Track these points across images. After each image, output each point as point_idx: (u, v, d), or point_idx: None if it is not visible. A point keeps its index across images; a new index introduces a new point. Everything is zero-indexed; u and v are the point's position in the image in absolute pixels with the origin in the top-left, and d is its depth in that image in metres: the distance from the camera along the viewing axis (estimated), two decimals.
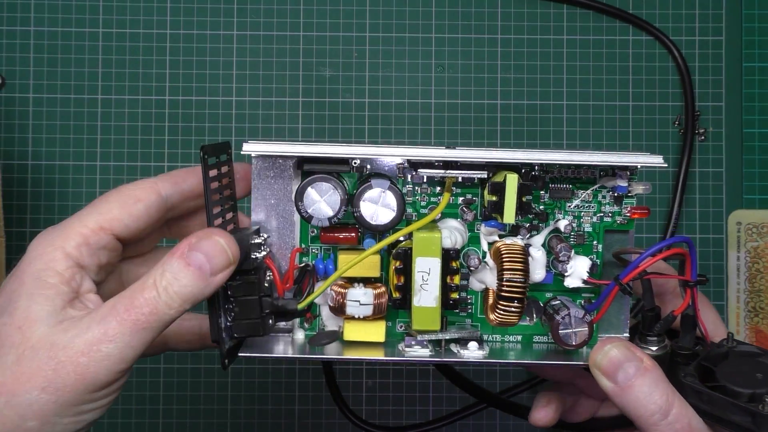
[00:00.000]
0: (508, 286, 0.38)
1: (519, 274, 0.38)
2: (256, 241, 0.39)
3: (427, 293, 0.38)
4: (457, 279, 0.39)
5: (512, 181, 0.38)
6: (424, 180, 0.41)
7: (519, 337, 0.43)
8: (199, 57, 0.64)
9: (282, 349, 0.40)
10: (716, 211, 0.64)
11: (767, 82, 0.64)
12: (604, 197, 0.42)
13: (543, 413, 0.45)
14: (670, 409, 0.36)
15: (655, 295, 0.40)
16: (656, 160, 0.39)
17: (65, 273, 0.35)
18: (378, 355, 0.40)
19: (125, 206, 0.38)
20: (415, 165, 0.41)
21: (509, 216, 0.38)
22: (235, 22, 0.64)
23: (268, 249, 0.40)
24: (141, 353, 0.35)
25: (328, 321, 0.42)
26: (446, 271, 0.39)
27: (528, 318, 0.42)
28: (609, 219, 0.42)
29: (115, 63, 0.64)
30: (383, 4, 0.64)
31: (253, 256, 0.38)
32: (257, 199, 0.41)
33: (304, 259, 0.42)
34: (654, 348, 0.40)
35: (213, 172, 0.39)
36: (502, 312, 0.39)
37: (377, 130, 0.64)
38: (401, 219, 0.39)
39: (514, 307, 0.39)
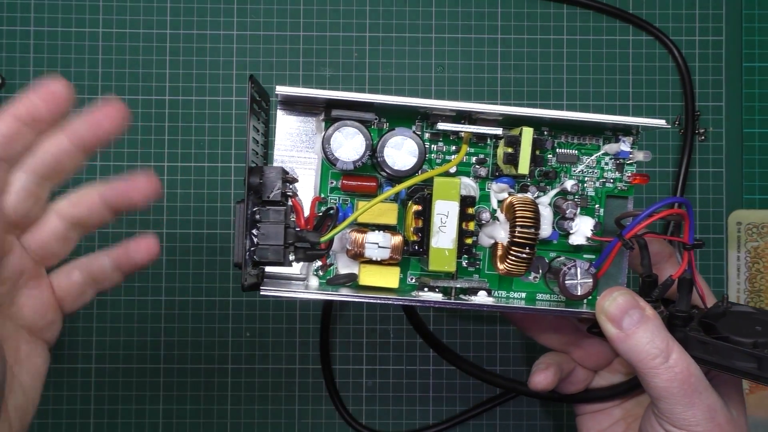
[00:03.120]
0: (520, 233, 0.40)
1: (531, 221, 0.40)
2: (287, 176, 0.40)
3: (444, 235, 0.40)
4: (472, 225, 0.41)
5: (528, 133, 0.41)
6: (441, 138, 0.43)
7: (523, 294, 0.45)
8: (199, 57, 0.64)
9: (298, 289, 0.41)
10: (716, 211, 0.64)
11: (767, 82, 0.64)
12: (607, 164, 0.44)
13: (542, 376, 0.46)
14: (670, 353, 0.38)
15: (652, 264, 0.42)
16: (658, 122, 0.41)
17: None
18: (392, 296, 0.41)
19: (50, 102, 0.36)
20: (433, 120, 0.42)
21: (524, 166, 0.41)
22: (235, 22, 0.64)
23: (297, 190, 0.41)
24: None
25: (343, 269, 0.43)
26: (463, 216, 0.41)
27: (533, 275, 0.44)
28: (611, 185, 0.44)
29: (115, 63, 0.64)
30: (383, 4, 0.64)
31: (284, 191, 0.39)
32: (279, 148, 0.43)
33: (323, 208, 0.43)
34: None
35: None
36: (513, 259, 0.41)
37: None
38: (422, 165, 0.41)
39: (526, 254, 0.40)
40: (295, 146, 0.43)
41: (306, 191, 0.43)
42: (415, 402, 0.63)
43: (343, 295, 0.41)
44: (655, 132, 0.64)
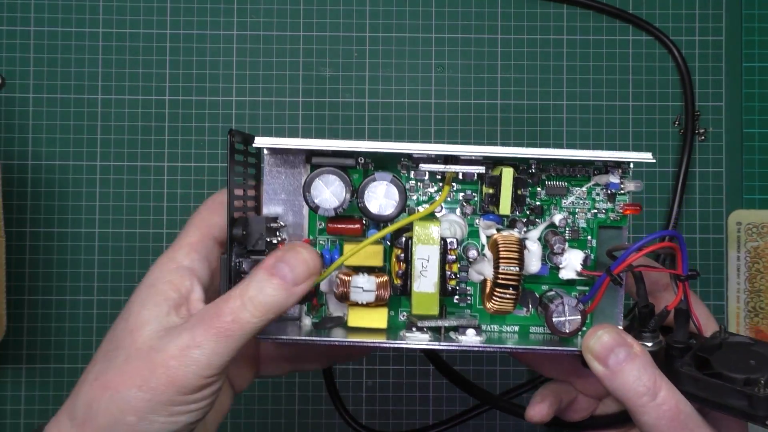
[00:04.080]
0: (503, 273, 0.40)
1: (514, 263, 0.40)
2: (272, 225, 0.41)
3: (426, 279, 0.40)
4: (455, 267, 0.41)
5: (507, 174, 0.41)
6: (426, 176, 0.43)
7: (516, 328, 0.44)
8: (199, 57, 0.64)
9: (290, 331, 0.42)
10: (716, 211, 0.64)
11: (767, 82, 0.64)
12: (597, 194, 0.43)
13: (537, 409, 0.46)
14: (658, 391, 0.38)
15: (648, 293, 0.41)
16: (645, 157, 0.41)
17: (175, 279, 0.39)
18: (380, 339, 0.42)
19: (219, 212, 0.41)
20: (416, 161, 0.43)
21: (505, 207, 0.41)
22: (235, 22, 0.64)
23: (284, 236, 0.42)
24: (228, 361, 0.36)
25: (334, 310, 0.44)
26: (444, 259, 0.41)
27: (525, 309, 0.44)
28: (603, 215, 0.43)
29: (115, 63, 0.64)
30: (383, 4, 0.64)
31: (267, 239, 0.40)
32: (269, 193, 0.43)
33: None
34: (649, 344, 0.41)
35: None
36: (498, 299, 0.41)
37: (377, 130, 0.64)
38: (403, 210, 0.41)
39: (510, 294, 0.41)
40: (285, 189, 0.43)
41: (299, 232, 0.44)
42: (415, 402, 0.63)
43: (333, 340, 0.41)
44: (655, 132, 0.64)
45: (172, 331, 0.37)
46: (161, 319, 0.37)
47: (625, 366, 0.38)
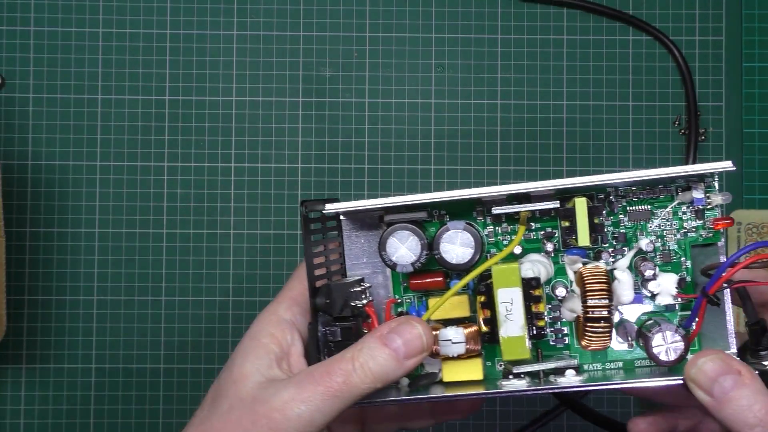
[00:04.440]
0: (591, 307, 0.39)
1: (602, 295, 0.39)
2: (356, 289, 0.41)
3: (512, 323, 0.39)
4: (541, 306, 0.40)
5: (581, 204, 0.40)
6: (503, 219, 0.42)
7: (620, 364, 0.43)
8: (199, 57, 0.64)
9: (387, 392, 0.41)
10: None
11: (767, 82, 0.64)
12: (684, 213, 0.42)
13: (643, 424, 0.44)
14: None
15: (759, 306, 0.39)
16: (725, 166, 0.39)
17: (277, 333, 0.40)
18: (479, 389, 0.41)
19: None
20: (487, 205, 0.42)
21: (583, 238, 0.40)
22: (235, 22, 0.64)
23: (370, 297, 0.42)
24: (330, 420, 0.37)
25: (430, 367, 0.43)
26: (529, 299, 0.40)
27: (625, 342, 0.42)
28: (693, 234, 0.42)
29: (115, 63, 0.64)
30: (383, 4, 0.64)
31: (352, 304, 0.41)
32: (350, 258, 0.44)
33: (399, 309, 0.44)
34: (766, 363, 0.38)
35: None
36: (590, 334, 0.40)
37: (377, 130, 0.64)
38: (481, 255, 0.40)
39: (601, 328, 0.39)
40: (365, 252, 0.44)
41: (385, 292, 0.44)
42: None
43: (430, 396, 0.41)
44: (655, 132, 0.64)
45: (277, 384, 0.38)
46: (264, 371, 0.39)
47: (733, 394, 0.36)
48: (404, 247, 0.41)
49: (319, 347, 0.40)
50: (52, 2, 0.64)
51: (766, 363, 0.38)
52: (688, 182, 0.41)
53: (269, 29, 0.64)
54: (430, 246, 0.41)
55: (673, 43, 0.64)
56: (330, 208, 0.41)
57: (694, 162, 0.63)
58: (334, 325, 0.40)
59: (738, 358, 0.38)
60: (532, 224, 0.42)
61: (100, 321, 0.63)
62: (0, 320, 0.57)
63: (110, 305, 0.63)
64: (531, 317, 0.40)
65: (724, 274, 0.37)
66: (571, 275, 0.42)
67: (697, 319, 0.39)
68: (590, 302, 0.39)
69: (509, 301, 0.39)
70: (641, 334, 0.41)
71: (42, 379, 0.62)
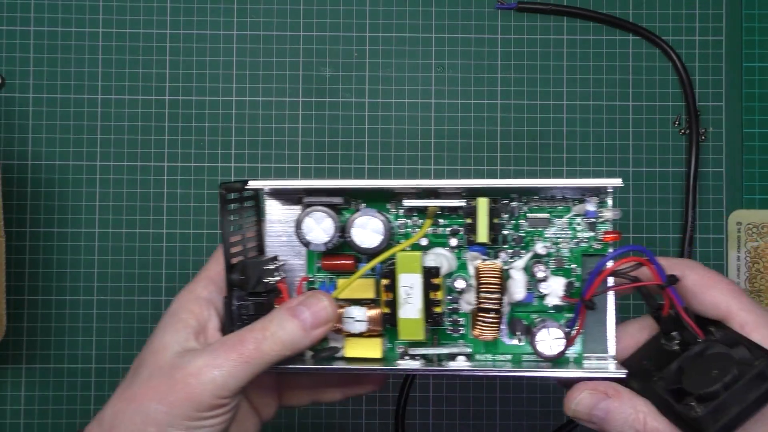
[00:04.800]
0: (483, 298, 0.42)
1: (493, 287, 0.42)
2: (270, 267, 0.44)
3: (411, 306, 0.42)
4: (439, 294, 0.43)
5: (482, 203, 0.43)
6: (414, 212, 0.45)
7: (509, 356, 0.46)
8: (199, 57, 0.64)
9: (296, 363, 0.44)
10: (716, 211, 0.64)
11: (767, 82, 0.64)
12: (579, 224, 0.45)
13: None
14: (645, 425, 0.40)
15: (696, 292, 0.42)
16: (614, 182, 0.42)
17: (195, 309, 0.42)
18: (377, 366, 0.44)
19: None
20: (399, 197, 0.45)
21: (482, 235, 0.43)
22: (235, 22, 0.64)
23: (283, 274, 0.45)
24: (242, 385, 0.40)
25: (334, 341, 0.46)
26: (428, 287, 0.42)
27: (515, 338, 0.45)
28: (585, 244, 0.45)
29: (115, 63, 0.64)
30: (383, 4, 0.64)
31: (266, 280, 0.43)
32: (270, 235, 0.46)
33: (311, 286, 0.47)
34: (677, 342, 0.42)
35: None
36: (481, 323, 0.43)
37: (377, 130, 0.64)
38: (388, 242, 0.43)
39: (491, 318, 0.42)
40: (285, 231, 0.46)
41: (299, 271, 0.47)
42: (415, 402, 0.63)
43: (330, 368, 0.44)
44: (655, 132, 0.64)
45: (194, 352, 0.40)
46: (182, 342, 0.41)
47: (609, 417, 0.40)
48: (319, 228, 0.43)
49: (233, 320, 0.42)
50: (52, 2, 0.64)
51: (675, 344, 0.41)
52: (583, 195, 0.44)
53: (269, 29, 0.64)
54: (343, 229, 0.44)
55: (669, 45, 0.64)
56: (251, 185, 0.43)
57: (696, 163, 0.63)
58: (248, 299, 0.42)
59: (602, 382, 0.41)
60: (441, 220, 0.45)
61: (100, 321, 0.63)
62: (0, 320, 0.57)
63: (110, 305, 0.63)
64: (429, 303, 0.43)
65: (595, 281, 0.41)
66: (471, 270, 0.44)
67: (578, 322, 0.43)
68: (483, 294, 0.42)
69: (410, 285, 0.42)
70: (528, 329, 0.44)
71: (42, 379, 0.62)
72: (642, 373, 0.42)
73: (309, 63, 0.64)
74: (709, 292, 0.42)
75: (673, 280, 0.40)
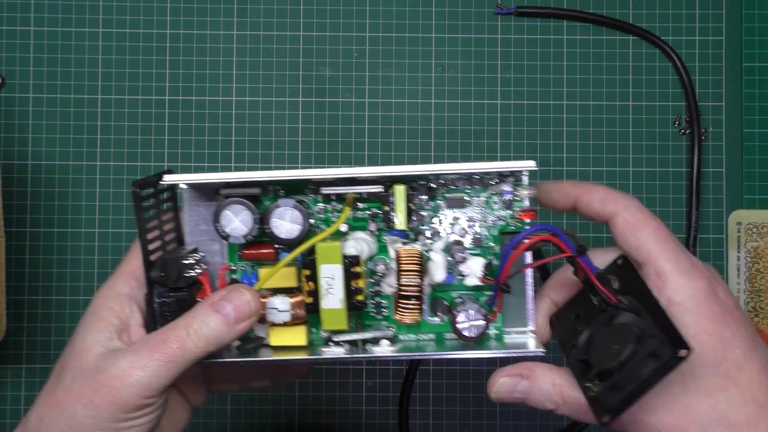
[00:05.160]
0: (404, 286, 0.43)
1: (413, 275, 0.42)
2: (190, 261, 0.43)
3: (332, 296, 0.42)
4: (361, 282, 0.43)
5: (400, 191, 0.43)
6: (333, 198, 0.45)
7: (433, 336, 0.46)
8: (199, 57, 0.64)
9: (222, 356, 0.44)
10: (716, 211, 0.64)
11: (767, 82, 0.64)
12: (495, 203, 0.45)
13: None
14: (563, 397, 0.40)
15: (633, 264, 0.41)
16: (527, 165, 0.42)
17: (116, 307, 0.42)
18: (301, 356, 0.44)
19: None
20: (317, 185, 0.45)
21: (401, 222, 0.43)
22: (235, 22, 0.64)
23: (205, 267, 0.44)
24: (167, 384, 0.39)
25: (259, 331, 0.46)
26: (349, 275, 0.43)
27: (438, 318, 0.46)
28: (502, 222, 0.45)
29: (115, 63, 0.64)
30: (383, 4, 0.64)
31: (186, 275, 0.43)
32: (190, 225, 0.45)
33: (233, 276, 0.46)
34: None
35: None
36: (402, 310, 0.43)
37: (377, 130, 0.64)
38: (308, 232, 0.44)
39: (412, 305, 0.43)
40: (206, 221, 0.45)
41: (221, 260, 0.46)
42: (415, 402, 0.63)
43: (254, 359, 0.43)
44: (655, 132, 0.64)
45: (117, 353, 0.40)
46: (104, 343, 0.41)
47: (529, 396, 0.41)
48: (237, 220, 0.43)
49: (155, 318, 0.42)
50: (52, 2, 0.64)
51: (597, 300, 0.41)
52: (500, 176, 0.45)
53: (269, 29, 0.64)
54: (262, 220, 0.43)
55: (669, 46, 0.64)
56: (167, 180, 0.43)
57: (699, 163, 0.63)
58: (170, 296, 0.42)
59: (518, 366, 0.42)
60: (360, 204, 0.45)
61: None
62: (0, 320, 0.57)
63: None
64: (351, 292, 0.43)
65: (507, 263, 0.41)
66: (392, 253, 0.45)
67: (496, 302, 0.43)
68: (403, 281, 0.43)
69: (331, 276, 0.42)
70: (450, 309, 0.45)
71: (42, 379, 0.62)
72: (568, 332, 0.42)
73: (309, 63, 0.64)
74: (635, 235, 0.40)
75: (582, 250, 0.40)
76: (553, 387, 0.40)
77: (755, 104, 0.64)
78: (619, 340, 0.37)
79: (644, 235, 0.40)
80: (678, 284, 0.38)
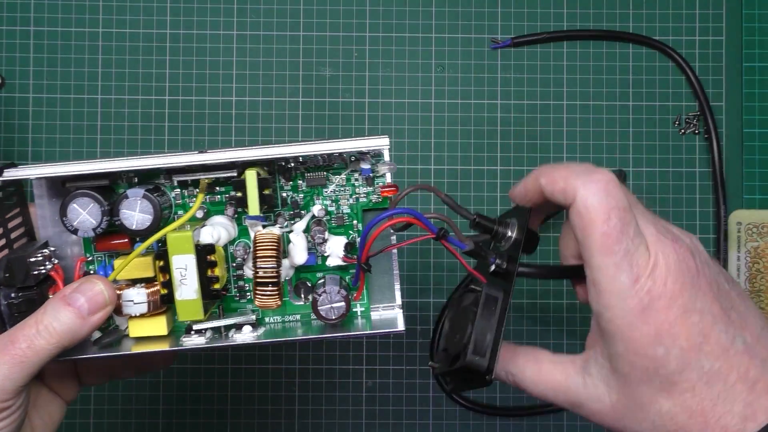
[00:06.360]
0: (260, 272, 0.42)
1: (268, 260, 0.42)
2: (38, 258, 0.42)
3: (186, 287, 0.41)
4: (217, 271, 0.42)
5: (251, 176, 0.42)
6: (189, 183, 0.44)
7: (298, 317, 0.46)
8: (199, 57, 0.64)
9: (80, 348, 0.43)
10: (716, 211, 0.64)
11: (767, 82, 0.64)
12: (357, 180, 0.45)
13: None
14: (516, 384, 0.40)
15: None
16: (381, 143, 0.42)
17: None
18: (163, 347, 0.43)
19: None
20: (169, 173, 0.44)
21: (253, 208, 0.42)
22: (235, 22, 0.64)
23: (56, 261, 0.43)
24: (22, 385, 0.38)
25: (120, 322, 0.45)
26: (204, 264, 0.42)
27: (302, 299, 0.46)
28: (364, 199, 0.45)
29: (115, 63, 0.64)
30: (383, 4, 0.64)
31: (35, 272, 0.41)
32: (42, 218, 0.44)
33: (90, 267, 0.45)
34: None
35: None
36: (260, 296, 0.42)
37: (377, 130, 0.64)
38: (159, 221, 0.42)
39: (269, 291, 0.42)
40: (55, 213, 0.44)
41: (77, 252, 0.45)
42: (415, 402, 0.63)
43: (114, 354, 0.42)
44: (655, 132, 0.64)
45: None
46: None
47: (521, 386, 0.40)
48: (85, 213, 0.42)
49: (4, 320, 0.41)
50: (52, 2, 0.64)
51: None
52: (360, 154, 0.44)
53: (269, 29, 0.64)
54: (111, 212, 0.42)
55: (673, 49, 0.64)
56: (7, 175, 0.42)
57: (720, 165, 0.63)
58: (18, 296, 0.41)
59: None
60: (218, 188, 0.44)
61: None
62: None
63: None
64: (206, 281, 0.42)
65: (368, 242, 0.40)
66: (253, 235, 0.44)
67: (359, 281, 0.43)
68: (258, 266, 0.42)
69: (183, 267, 0.41)
70: (312, 292, 0.44)
71: None
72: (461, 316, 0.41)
73: (309, 63, 0.64)
74: (582, 239, 0.38)
75: (442, 234, 0.40)
76: (507, 375, 0.40)
77: (755, 104, 0.64)
78: (460, 328, 0.38)
79: (590, 242, 0.37)
80: (610, 303, 0.37)
